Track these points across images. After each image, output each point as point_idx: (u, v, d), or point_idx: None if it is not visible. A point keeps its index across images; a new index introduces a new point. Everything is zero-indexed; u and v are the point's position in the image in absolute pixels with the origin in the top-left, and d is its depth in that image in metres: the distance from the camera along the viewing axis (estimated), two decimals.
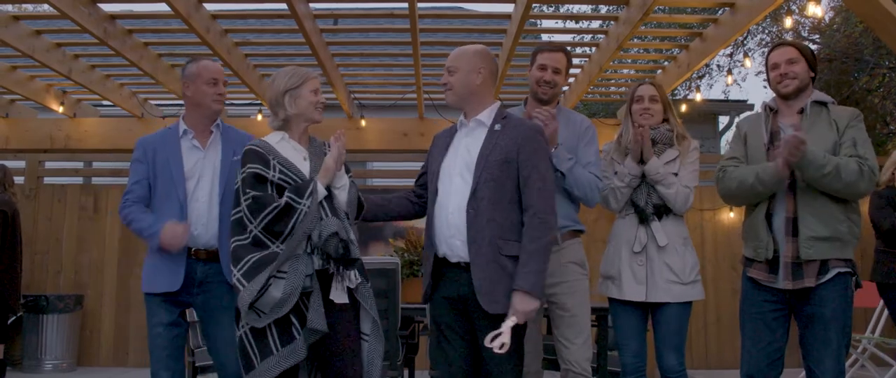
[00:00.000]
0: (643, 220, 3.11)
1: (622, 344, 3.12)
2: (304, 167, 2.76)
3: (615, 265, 3.13)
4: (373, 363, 2.71)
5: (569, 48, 3.91)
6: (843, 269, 2.68)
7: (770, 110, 2.92)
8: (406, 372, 4.27)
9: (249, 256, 2.58)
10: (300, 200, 2.60)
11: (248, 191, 2.64)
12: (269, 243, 2.60)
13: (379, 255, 6.20)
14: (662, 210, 3.09)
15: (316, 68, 5.79)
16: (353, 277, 2.69)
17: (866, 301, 6.08)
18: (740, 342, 2.92)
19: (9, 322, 5.89)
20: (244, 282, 2.53)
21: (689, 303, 3.05)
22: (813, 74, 2.87)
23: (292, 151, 2.78)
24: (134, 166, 3.10)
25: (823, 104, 2.83)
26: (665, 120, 3.21)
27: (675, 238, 3.06)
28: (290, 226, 2.58)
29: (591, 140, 3.15)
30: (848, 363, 5.84)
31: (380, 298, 3.80)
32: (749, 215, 2.93)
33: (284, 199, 2.61)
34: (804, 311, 2.72)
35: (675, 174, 3.09)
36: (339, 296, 2.65)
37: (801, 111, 2.82)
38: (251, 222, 2.61)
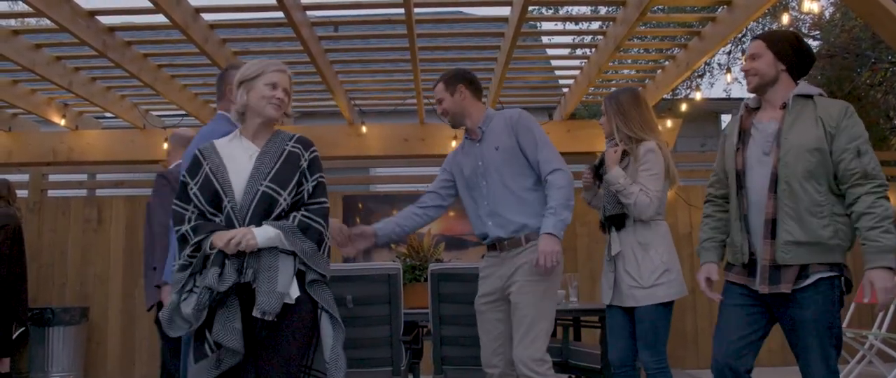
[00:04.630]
0: (603, 230, 3.35)
1: (609, 342, 3.33)
2: (246, 167, 2.58)
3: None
4: (337, 357, 2.58)
5: (569, 50, 3.92)
6: (825, 275, 2.53)
7: (747, 108, 2.83)
8: (410, 377, 4.26)
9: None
10: (191, 239, 2.53)
11: (175, 200, 2.63)
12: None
13: (381, 261, 6.20)
14: (618, 220, 3.24)
15: (315, 75, 5.81)
16: (263, 312, 2.42)
17: (873, 297, 6.05)
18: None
19: (14, 335, 5.92)
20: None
21: (663, 303, 3.16)
22: (785, 66, 2.72)
23: (239, 150, 2.63)
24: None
25: (809, 97, 2.69)
26: (618, 129, 3.33)
27: (632, 245, 3.21)
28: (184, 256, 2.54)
29: (527, 129, 3.21)
30: (855, 359, 5.81)
31: (382, 304, 3.80)
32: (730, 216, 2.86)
33: (183, 229, 2.55)
34: (786, 315, 2.60)
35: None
36: (266, 313, 2.42)
37: (784, 106, 2.70)
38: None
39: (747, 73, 2.77)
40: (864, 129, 2.63)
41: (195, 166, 2.62)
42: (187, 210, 2.57)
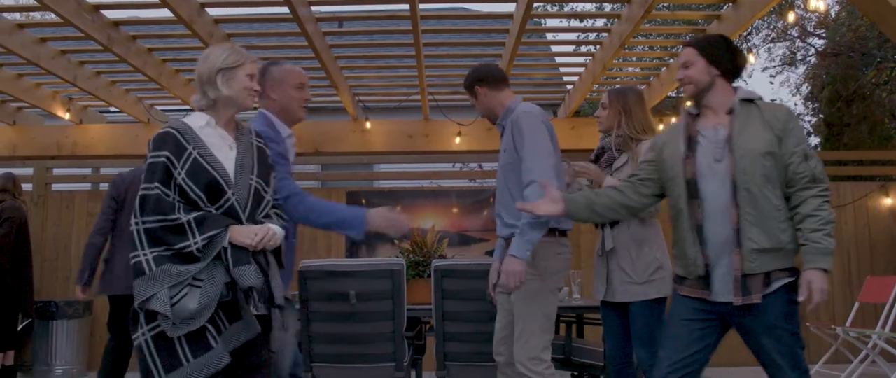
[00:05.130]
0: (597, 225, 3.38)
1: (605, 338, 3.41)
2: (229, 157, 2.47)
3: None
4: (285, 351, 2.59)
5: (574, 47, 3.98)
6: (785, 280, 2.51)
7: (690, 115, 2.72)
8: (413, 373, 4.27)
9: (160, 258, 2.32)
10: (194, 236, 2.31)
11: (155, 183, 2.35)
12: (137, 244, 2.32)
13: (385, 257, 6.21)
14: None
15: (319, 71, 5.81)
16: (261, 306, 2.44)
17: (877, 296, 6.05)
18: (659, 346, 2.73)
19: (19, 327, 5.95)
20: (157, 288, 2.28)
21: (656, 300, 3.19)
22: (719, 72, 2.65)
23: (217, 138, 2.48)
24: (280, 162, 2.86)
25: (751, 101, 2.63)
26: (619, 125, 3.37)
27: (627, 241, 3.24)
28: (172, 247, 2.30)
29: (520, 134, 3.12)
30: (858, 359, 5.81)
31: (385, 300, 3.81)
32: (674, 228, 2.71)
33: (183, 219, 2.31)
34: (745, 322, 2.54)
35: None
36: (259, 307, 2.42)
37: (730, 111, 2.63)
38: (137, 216, 2.32)
39: (682, 81, 2.72)
40: (804, 133, 2.63)
41: (179, 148, 2.39)
42: (171, 196, 2.36)
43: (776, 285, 2.50)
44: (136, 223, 2.33)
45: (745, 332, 2.57)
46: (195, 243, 2.30)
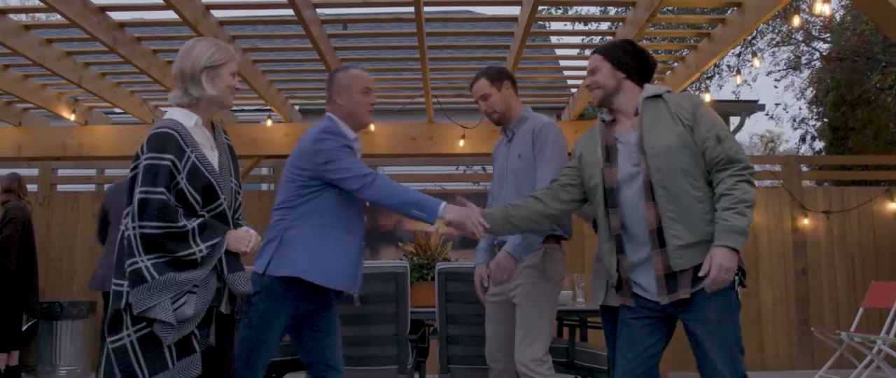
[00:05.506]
0: (596, 229, 3.35)
1: (607, 343, 3.40)
2: (214, 158, 2.43)
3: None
4: None
5: (578, 50, 3.94)
6: None
7: (604, 123, 2.73)
8: (416, 376, 4.27)
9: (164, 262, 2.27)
10: (197, 244, 2.28)
11: (160, 187, 2.25)
12: (134, 250, 2.25)
13: (389, 259, 6.21)
14: None
15: (323, 73, 5.82)
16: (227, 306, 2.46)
17: (882, 301, 6.03)
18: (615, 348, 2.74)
19: (24, 328, 5.96)
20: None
21: None
22: (624, 74, 2.67)
23: (204, 139, 2.44)
24: (347, 152, 2.83)
25: (658, 96, 2.63)
26: None
27: None
28: (173, 254, 2.25)
29: (543, 142, 3.17)
30: (862, 364, 5.79)
31: (388, 303, 3.81)
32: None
33: (187, 225, 2.27)
34: (687, 320, 2.51)
35: None
36: (226, 306, 2.45)
37: (636, 112, 2.65)
38: (136, 220, 2.23)
39: (590, 88, 2.74)
40: (718, 116, 2.61)
41: (180, 150, 2.32)
42: (170, 198, 2.28)
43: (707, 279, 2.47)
44: (134, 227, 2.24)
45: (687, 328, 2.55)
46: (200, 252, 2.28)
